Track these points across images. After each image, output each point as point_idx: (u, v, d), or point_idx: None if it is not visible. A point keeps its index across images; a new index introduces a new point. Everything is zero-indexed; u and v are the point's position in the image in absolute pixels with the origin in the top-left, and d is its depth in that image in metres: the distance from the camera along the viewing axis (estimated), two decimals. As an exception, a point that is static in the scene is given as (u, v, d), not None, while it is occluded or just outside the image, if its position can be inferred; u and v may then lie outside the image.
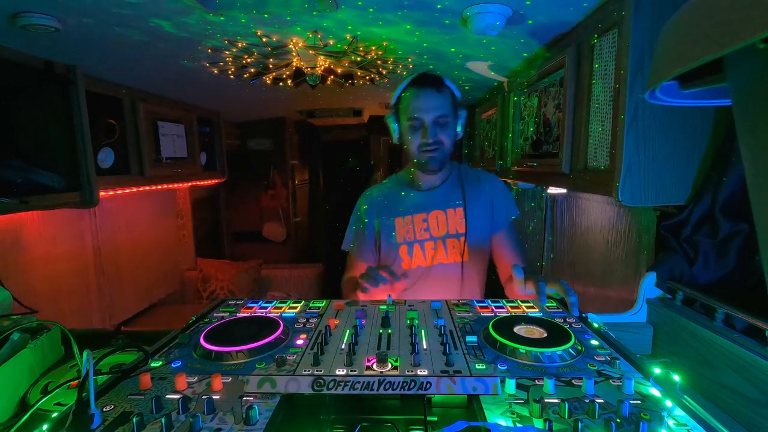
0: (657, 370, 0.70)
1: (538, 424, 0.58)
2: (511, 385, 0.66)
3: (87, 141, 1.58)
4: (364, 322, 0.94)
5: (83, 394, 0.60)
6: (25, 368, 0.88)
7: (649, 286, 1.14)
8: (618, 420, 0.57)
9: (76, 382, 0.84)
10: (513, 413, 0.61)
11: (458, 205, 1.30)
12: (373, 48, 1.48)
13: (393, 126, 1.30)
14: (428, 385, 0.66)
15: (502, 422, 0.59)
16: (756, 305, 0.86)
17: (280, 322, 0.90)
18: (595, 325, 0.92)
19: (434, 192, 1.33)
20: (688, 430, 0.57)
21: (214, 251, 3.75)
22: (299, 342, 0.85)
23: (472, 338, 0.84)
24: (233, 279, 2.97)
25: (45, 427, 0.61)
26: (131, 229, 2.44)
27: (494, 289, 1.38)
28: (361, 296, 1.11)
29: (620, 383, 0.68)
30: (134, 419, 0.57)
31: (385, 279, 1.06)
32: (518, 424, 0.58)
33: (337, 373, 0.71)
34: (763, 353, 0.80)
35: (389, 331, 0.89)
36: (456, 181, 1.34)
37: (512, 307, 1.03)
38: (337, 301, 1.08)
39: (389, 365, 0.73)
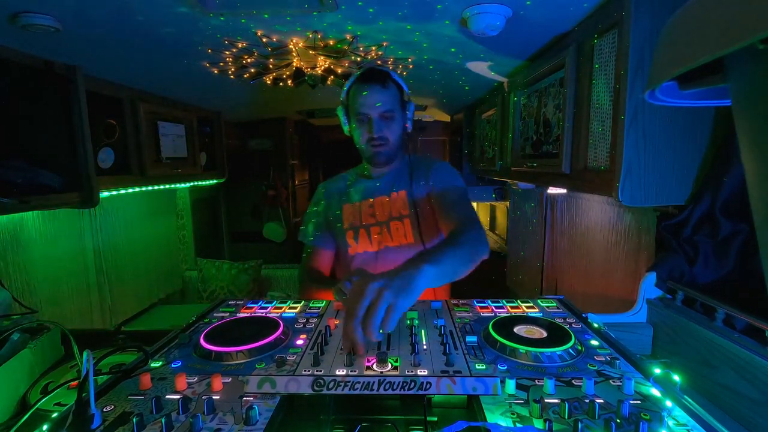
0: (657, 370, 0.70)
1: (538, 424, 0.58)
2: (511, 385, 0.66)
3: (87, 141, 1.58)
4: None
5: (83, 394, 0.60)
6: (25, 368, 0.88)
7: (649, 286, 1.14)
8: (618, 420, 0.57)
9: (76, 382, 0.84)
10: (513, 413, 0.61)
11: (402, 188, 1.34)
12: (373, 48, 1.48)
13: (342, 119, 1.34)
14: (428, 385, 0.66)
15: (502, 422, 0.59)
16: (756, 305, 0.86)
17: (280, 323, 0.90)
18: (595, 325, 0.92)
19: (381, 179, 1.38)
20: (688, 430, 0.57)
21: (214, 251, 3.75)
22: (299, 342, 0.85)
23: (472, 338, 0.84)
24: (233, 279, 2.97)
25: (45, 427, 0.61)
26: (131, 229, 2.44)
27: (481, 288, 1.34)
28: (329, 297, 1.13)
29: (620, 383, 0.68)
30: (134, 419, 0.57)
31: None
32: (518, 424, 0.58)
33: (337, 373, 0.71)
34: (763, 353, 0.80)
35: (389, 331, 0.89)
36: (404, 168, 1.38)
37: (512, 307, 1.03)
38: (337, 301, 1.08)
39: (389, 365, 0.73)
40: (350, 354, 0.75)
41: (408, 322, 0.94)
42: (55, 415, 0.74)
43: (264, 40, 1.35)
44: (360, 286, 0.73)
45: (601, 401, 0.63)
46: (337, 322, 0.95)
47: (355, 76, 1.29)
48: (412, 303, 0.74)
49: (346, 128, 1.35)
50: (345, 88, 1.31)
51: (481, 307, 1.03)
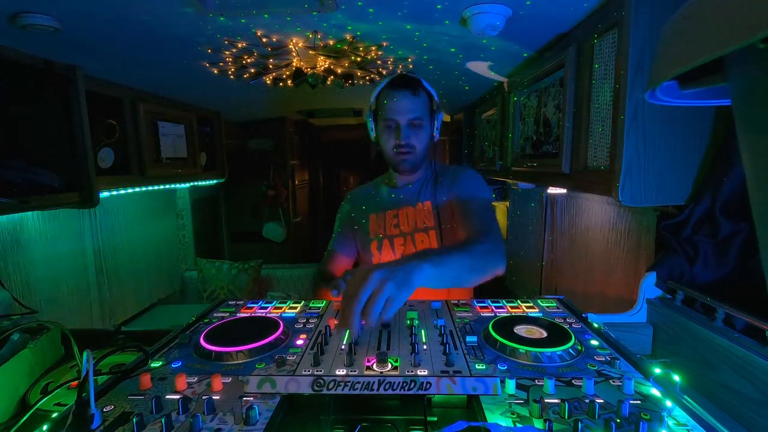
0: (657, 370, 0.70)
1: (538, 424, 0.58)
2: (511, 385, 0.66)
3: (87, 141, 1.58)
4: (364, 322, 0.94)
5: (83, 394, 0.60)
6: (25, 368, 0.88)
7: (649, 286, 1.14)
8: (618, 420, 0.57)
9: (76, 382, 0.84)
10: (513, 413, 0.61)
11: (427, 199, 1.31)
12: (373, 48, 1.48)
13: (370, 125, 1.32)
14: (428, 385, 0.66)
15: (502, 422, 0.59)
16: (756, 305, 0.86)
17: (280, 323, 0.90)
18: (595, 325, 0.92)
19: (407, 189, 1.35)
20: (688, 430, 0.57)
21: (214, 251, 3.75)
22: (299, 342, 0.85)
23: (472, 338, 0.84)
24: (233, 279, 2.97)
25: (45, 427, 0.61)
26: (131, 229, 2.44)
27: (481, 288, 1.30)
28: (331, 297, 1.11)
29: (620, 383, 0.68)
30: (134, 419, 0.57)
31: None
32: (518, 424, 0.58)
33: (337, 373, 0.71)
34: (763, 353, 0.80)
35: (389, 331, 0.89)
36: (429, 177, 1.35)
37: (512, 307, 1.03)
38: (336, 296, 1.08)
39: (389, 365, 0.73)
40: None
41: (408, 322, 0.94)
42: (55, 415, 0.74)
43: (264, 40, 1.35)
44: (363, 275, 0.73)
45: (601, 401, 0.63)
46: (336, 322, 0.95)
47: (385, 81, 1.25)
48: (409, 295, 0.75)
49: (372, 134, 1.32)
50: (374, 93, 1.28)
51: (481, 307, 1.03)
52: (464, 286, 0.95)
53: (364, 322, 0.71)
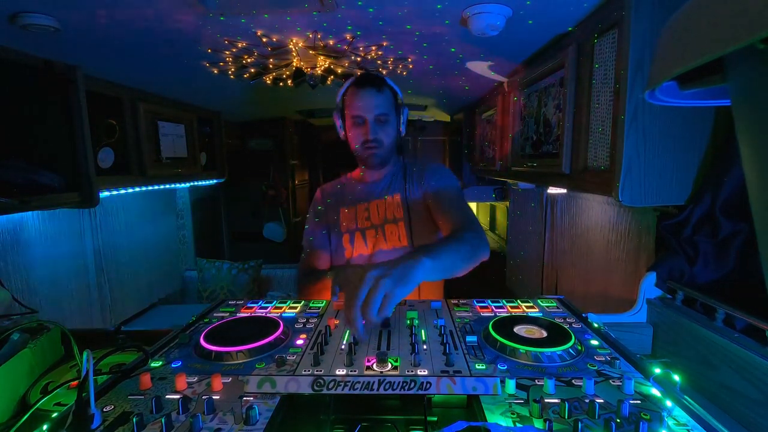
0: (657, 370, 0.70)
1: (538, 424, 0.58)
2: (511, 385, 0.66)
3: (87, 141, 1.58)
4: (364, 322, 0.94)
5: (83, 394, 0.60)
6: (25, 368, 0.88)
7: (649, 286, 1.14)
8: (618, 420, 0.57)
9: (76, 382, 0.84)
10: (513, 413, 0.61)
11: (396, 192, 1.36)
12: (373, 48, 1.48)
13: (338, 123, 1.37)
14: (428, 385, 0.66)
15: (502, 422, 0.59)
16: (756, 305, 0.86)
17: (280, 322, 0.90)
18: (595, 325, 0.92)
19: (377, 183, 1.40)
20: (688, 430, 0.57)
21: (214, 251, 3.75)
22: (299, 342, 0.85)
23: (472, 338, 0.84)
24: (233, 279, 2.97)
25: (45, 427, 0.61)
26: (131, 229, 2.44)
27: (481, 288, 1.34)
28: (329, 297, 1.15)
29: (620, 383, 0.68)
30: (134, 419, 0.57)
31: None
32: (518, 424, 0.58)
33: (337, 373, 0.71)
34: (763, 353, 0.80)
35: (389, 331, 0.89)
36: (398, 171, 1.40)
37: (512, 307, 1.03)
38: (337, 301, 1.08)
39: (389, 365, 0.73)
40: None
41: (408, 322, 0.94)
42: (55, 415, 0.74)
43: (264, 40, 1.35)
44: (359, 275, 0.75)
45: (601, 401, 0.63)
46: (336, 322, 0.95)
47: (350, 81, 1.32)
48: (408, 292, 0.76)
49: (341, 132, 1.38)
50: (341, 92, 1.34)
51: (481, 307, 1.03)
52: (456, 275, 1.00)
53: (364, 322, 0.72)
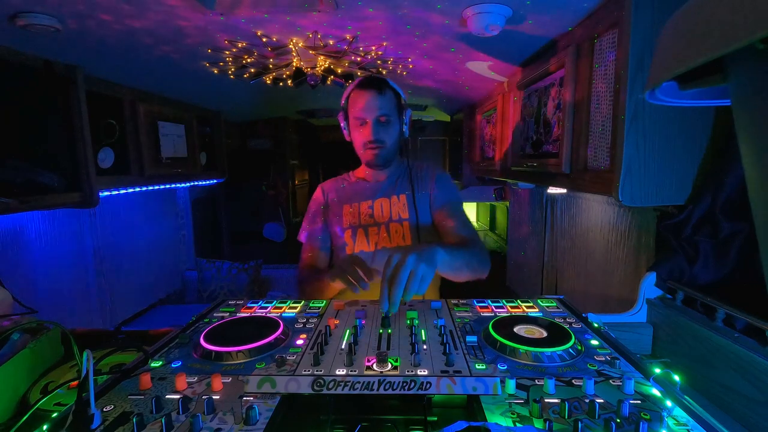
0: (657, 370, 0.70)
1: (538, 424, 0.58)
2: (511, 385, 0.66)
3: (87, 141, 1.58)
4: (364, 322, 0.94)
5: (83, 394, 0.60)
6: (25, 368, 0.88)
7: (649, 286, 1.14)
8: (618, 420, 0.57)
9: (76, 382, 0.84)
10: (513, 413, 0.61)
11: (402, 192, 1.38)
12: (373, 48, 1.48)
13: (342, 124, 1.39)
14: (428, 385, 0.66)
15: (502, 422, 0.59)
16: (756, 305, 0.86)
17: (280, 322, 0.90)
18: (595, 324, 0.92)
19: (381, 182, 1.42)
20: (688, 430, 0.57)
21: (214, 251, 3.75)
22: (299, 342, 0.85)
23: (472, 338, 0.84)
24: (233, 279, 2.97)
25: (45, 427, 0.61)
26: (131, 229, 2.44)
27: (481, 289, 1.35)
28: (335, 289, 1.20)
29: (620, 383, 0.68)
30: (134, 419, 0.57)
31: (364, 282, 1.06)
32: (518, 424, 0.58)
33: (337, 373, 0.71)
34: (763, 353, 0.80)
35: (389, 331, 0.89)
36: (404, 173, 1.42)
37: (512, 307, 1.03)
38: (337, 301, 1.08)
39: (389, 365, 0.73)
40: (385, 322, 0.88)
41: (408, 322, 0.94)
42: (55, 415, 0.74)
43: (264, 40, 1.35)
44: (402, 258, 0.87)
45: (601, 401, 0.63)
46: (336, 322, 0.95)
47: (353, 84, 1.33)
48: (433, 274, 0.89)
49: (345, 133, 1.40)
50: (345, 95, 1.35)
51: (481, 307, 1.03)
52: (457, 279, 1.13)
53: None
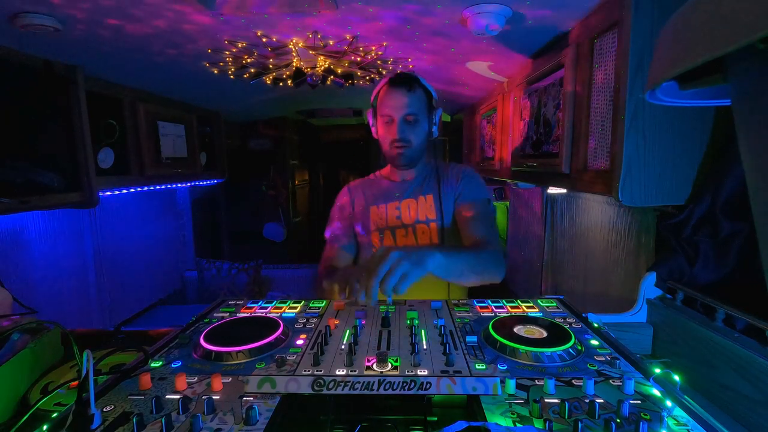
0: (657, 370, 0.70)
1: (538, 424, 0.58)
2: (511, 385, 0.66)
3: (87, 141, 1.58)
4: (364, 322, 0.94)
5: (83, 394, 0.60)
6: (25, 368, 0.88)
7: (649, 286, 1.14)
8: (618, 420, 0.57)
9: (76, 382, 0.84)
10: (513, 413, 0.61)
11: (429, 193, 1.35)
12: (373, 48, 1.48)
13: (370, 121, 1.37)
14: (428, 385, 0.66)
15: (502, 422, 0.59)
16: (756, 305, 0.86)
17: (280, 322, 0.90)
18: (595, 324, 0.92)
19: (407, 183, 1.39)
20: (688, 430, 0.57)
21: (214, 251, 3.75)
22: (299, 342, 0.85)
23: (472, 338, 0.84)
24: (233, 279, 2.97)
25: (45, 427, 0.61)
26: (131, 229, 2.44)
27: (481, 288, 1.32)
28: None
29: (620, 383, 0.68)
30: (134, 419, 0.57)
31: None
32: (518, 424, 0.58)
33: (337, 373, 0.71)
34: (763, 353, 0.80)
35: (389, 330, 0.89)
36: (431, 173, 1.39)
37: (512, 307, 1.03)
38: (337, 301, 1.08)
39: (389, 365, 0.73)
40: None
41: (408, 322, 0.94)
42: (55, 415, 0.74)
43: (264, 40, 1.35)
44: (383, 253, 0.86)
45: (601, 401, 0.63)
46: (336, 322, 0.95)
47: (384, 80, 1.31)
48: (421, 275, 0.86)
49: (373, 130, 1.38)
50: (375, 91, 1.33)
51: (481, 307, 1.03)
52: (464, 284, 1.11)
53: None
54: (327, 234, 1.44)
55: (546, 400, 0.63)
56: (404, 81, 1.26)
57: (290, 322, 0.97)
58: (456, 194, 1.34)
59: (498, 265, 1.12)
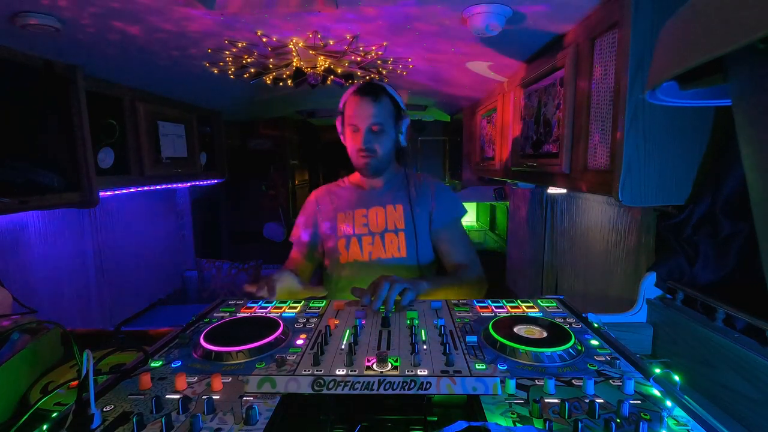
0: (657, 370, 0.70)
1: (538, 424, 0.58)
2: (511, 385, 0.66)
3: (87, 141, 1.58)
4: (364, 322, 0.94)
5: (83, 394, 0.60)
6: (25, 368, 0.88)
7: (649, 286, 1.14)
8: (618, 420, 0.57)
9: (76, 382, 0.84)
10: (513, 413, 0.61)
11: (399, 203, 1.35)
12: (373, 48, 1.48)
13: (339, 129, 1.38)
14: (428, 385, 0.66)
15: (502, 422, 0.59)
16: (756, 305, 0.86)
17: (280, 322, 0.90)
18: (595, 324, 0.92)
19: (377, 190, 1.40)
20: (688, 430, 0.57)
21: (214, 251, 3.75)
22: (299, 342, 0.85)
23: (472, 338, 0.84)
24: (233, 279, 2.97)
25: (45, 427, 0.61)
26: (131, 229, 2.44)
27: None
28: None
29: (620, 383, 0.68)
30: (134, 419, 0.57)
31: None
32: (518, 424, 0.58)
33: (337, 373, 0.71)
34: (763, 353, 0.80)
35: (389, 330, 0.89)
36: (400, 182, 1.40)
37: (512, 307, 1.03)
38: (337, 301, 1.08)
39: (389, 365, 0.73)
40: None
41: (408, 322, 0.94)
42: (55, 415, 0.74)
43: (264, 40, 1.35)
44: (384, 279, 1.02)
45: (601, 401, 0.63)
46: (336, 322, 0.95)
47: (351, 89, 1.32)
48: (415, 296, 1.05)
49: (342, 138, 1.39)
50: (342, 99, 1.34)
51: (481, 307, 1.03)
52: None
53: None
54: (292, 239, 1.47)
55: (546, 400, 0.63)
56: (371, 90, 1.27)
57: (290, 321, 0.97)
58: (430, 209, 1.35)
59: (481, 285, 1.30)
